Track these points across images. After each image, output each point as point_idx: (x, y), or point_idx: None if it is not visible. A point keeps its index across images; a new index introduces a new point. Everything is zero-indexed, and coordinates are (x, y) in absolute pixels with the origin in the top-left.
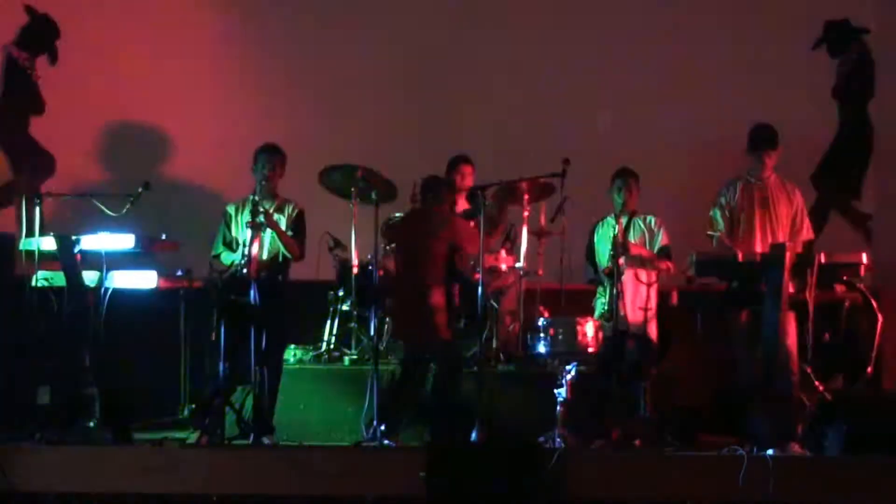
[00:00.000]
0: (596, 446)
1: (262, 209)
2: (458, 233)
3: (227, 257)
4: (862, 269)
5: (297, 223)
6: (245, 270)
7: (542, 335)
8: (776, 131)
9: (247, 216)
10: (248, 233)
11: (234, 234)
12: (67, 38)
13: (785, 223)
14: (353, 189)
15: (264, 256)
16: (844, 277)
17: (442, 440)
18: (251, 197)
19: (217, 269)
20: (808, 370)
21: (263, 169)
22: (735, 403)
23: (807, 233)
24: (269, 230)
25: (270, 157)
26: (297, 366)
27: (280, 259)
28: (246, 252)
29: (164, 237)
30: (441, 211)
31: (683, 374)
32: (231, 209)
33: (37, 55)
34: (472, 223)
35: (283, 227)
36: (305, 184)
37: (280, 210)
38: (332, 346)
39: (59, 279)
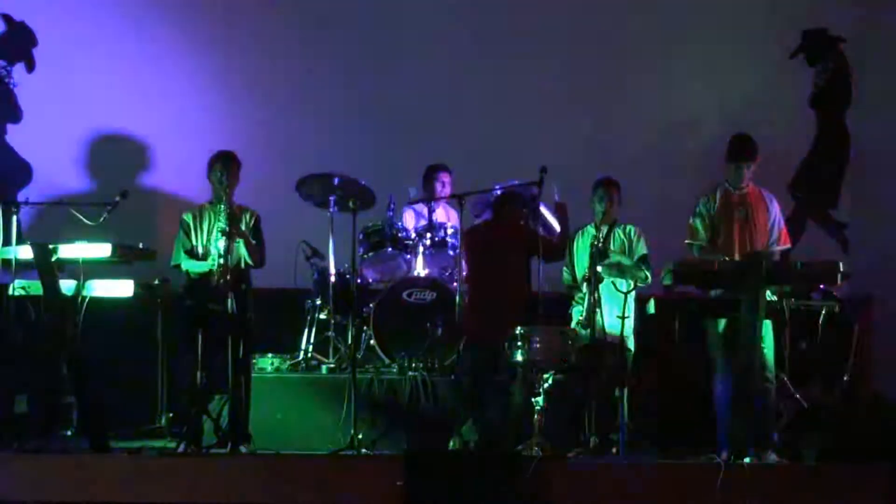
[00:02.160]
0: (573, 455)
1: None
2: (534, 241)
3: (194, 266)
4: (839, 277)
5: (257, 230)
6: (222, 280)
7: (519, 344)
8: (756, 143)
9: (220, 224)
10: (223, 241)
11: (194, 242)
12: (45, 47)
13: (763, 232)
14: (330, 197)
15: (231, 264)
16: (821, 286)
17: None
18: (221, 206)
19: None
20: (785, 378)
21: (223, 176)
22: (712, 412)
23: (784, 241)
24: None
25: (229, 164)
26: (275, 374)
27: (243, 266)
28: (222, 261)
29: (140, 246)
30: (514, 221)
31: (661, 382)
32: (188, 217)
33: (13, 63)
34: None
35: None
36: (282, 192)
37: (239, 217)
38: (309, 355)
39: (36, 288)
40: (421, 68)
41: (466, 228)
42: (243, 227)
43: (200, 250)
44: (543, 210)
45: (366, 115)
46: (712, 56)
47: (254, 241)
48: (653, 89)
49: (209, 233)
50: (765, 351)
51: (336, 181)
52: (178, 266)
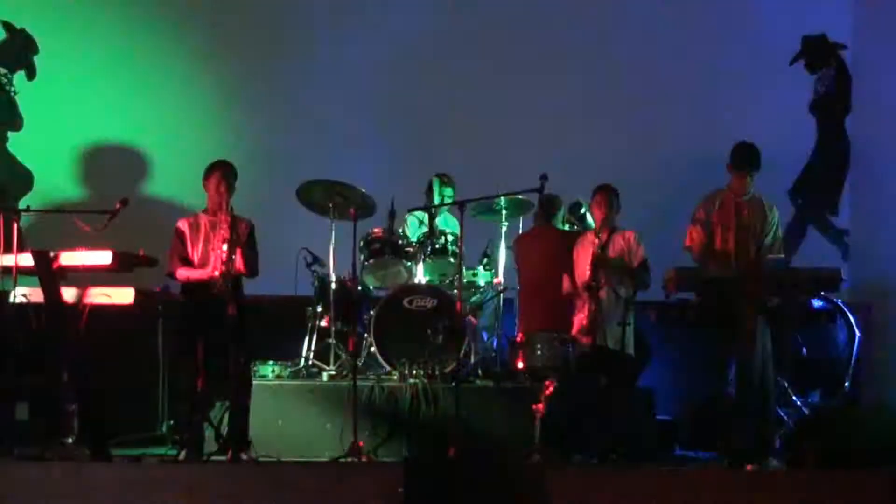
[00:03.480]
0: (574, 461)
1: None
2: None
3: (191, 274)
4: (839, 284)
5: (252, 239)
6: (224, 287)
7: (520, 350)
8: (758, 151)
9: (223, 233)
10: (225, 248)
11: (190, 250)
12: (46, 55)
13: (760, 240)
14: (331, 204)
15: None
16: (822, 293)
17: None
18: (220, 214)
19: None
20: (786, 384)
21: (220, 186)
22: (713, 418)
23: (778, 250)
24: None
25: (226, 172)
26: (276, 382)
27: (237, 276)
28: (224, 270)
29: (141, 253)
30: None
31: (662, 388)
32: (184, 226)
33: (14, 71)
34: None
35: None
36: (283, 199)
37: (235, 227)
38: (310, 362)
39: (37, 295)
40: (423, 76)
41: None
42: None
43: (196, 259)
44: None
45: (367, 122)
46: (713, 62)
47: (249, 251)
48: (654, 96)
49: (205, 241)
50: (765, 357)
51: (337, 188)
52: (172, 274)
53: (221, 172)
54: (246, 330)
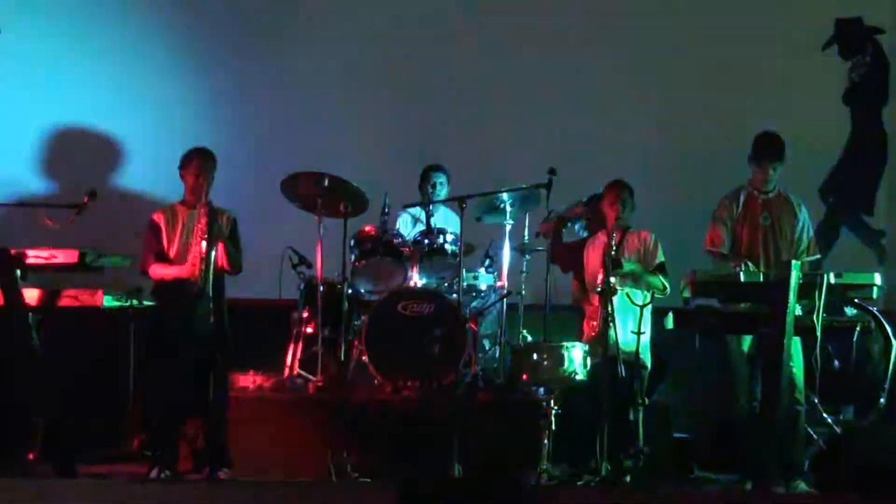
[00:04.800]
0: (584, 482)
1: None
2: None
3: (166, 272)
4: (875, 290)
5: (234, 234)
6: (203, 287)
7: (524, 361)
8: (783, 141)
9: (201, 226)
10: (204, 245)
11: (166, 245)
12: (6, 40)
13: (790, 240)
14: (319, 200)
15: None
16: (855, 300)
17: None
18: (199, 208)
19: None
20: (816, 401)
21: (198, 176)
22: (736, 436)
23: (813, 251)
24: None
25: (205, 161)
26: (257, 394)
27: (218, 274)
28: (202, 267)
29: (111, 251)
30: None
31: (680, 403)
32: (159, 218)
33: None
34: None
35: None
36: (266, 194)
37: (215, 220)
38: (294, 373)
39: None
40: (417, 63)
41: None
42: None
43: (173, 254)
44: None
45: (359, 111)
46: (737, 47)
47: (231, 247)
48: (673, 84)
49: (182, 235)
50: (793, 370)
51: (325, 182)
52: (146, 272)
53: (200, 160)
54: (226, 335)
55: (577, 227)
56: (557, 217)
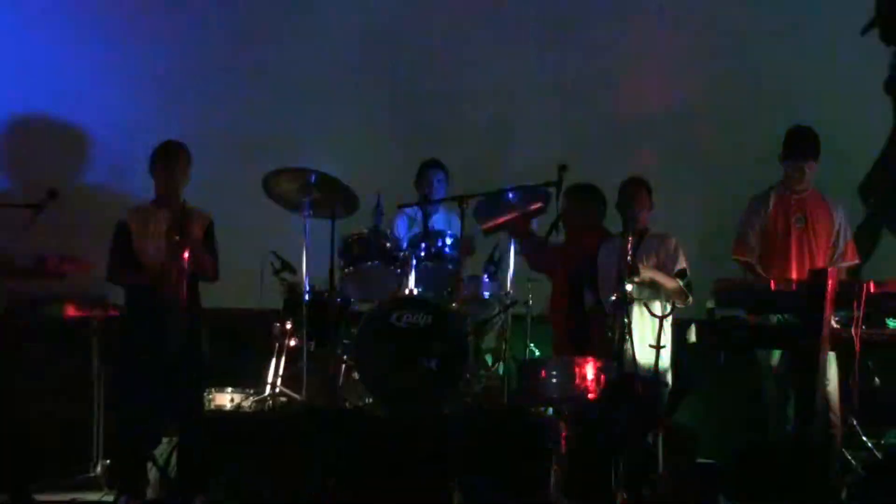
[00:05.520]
0: None
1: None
2: None
3: (135, 279)
4: None
5: (210, 237)
6: (171, 296)
7: (531, 377)
8: (817, 136)
9: (166, 227)
10: (172, 248)
11: (135, 250)
12: None
13: (825, 245)
14: (304, 199)
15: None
16: None
17: None
18: (169, 208)
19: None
20: (854, 422)
21: (170, 172)
22: (765, 462)
23: (850, 256)
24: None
25: (177, 157)
26: (236, 413)
27: (192, 281)
28: (170, 274)
29: (73, 256)
30: None
31: (704, 425)
32: (129, 219)
33: None
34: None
35: None
36: (247, 192)
37: (189, 222)
38: (276, 391)
39: None
40: (416, 49)
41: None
42: (195, 233)
43: (144, 259)
44: None
45: (349, 102)
46: (765, 33)
47: (206, 252)
48: (695, 73)
49: (154, 239)
50: (829, 389)
51: (312, 179)
52: (113, 279)
53: (173, 156)
54: (201, 349)
55: (533, 224)
56: (522, 213)
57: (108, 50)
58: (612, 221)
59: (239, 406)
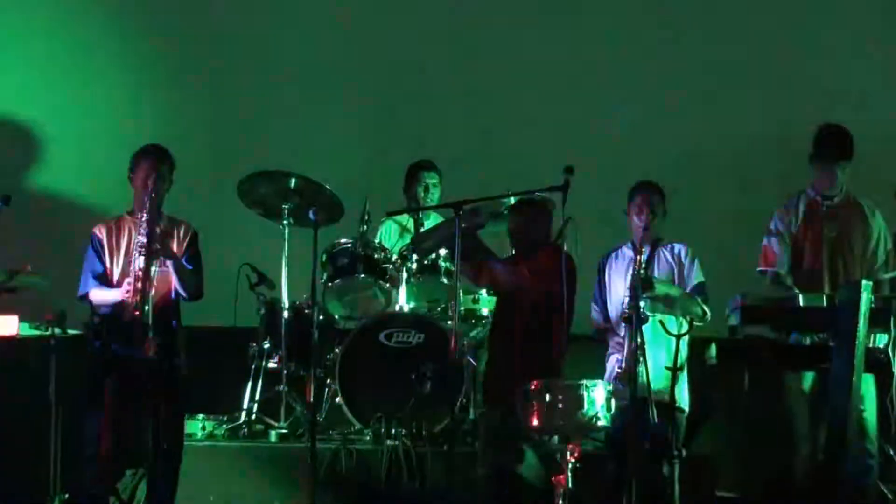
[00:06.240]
0: None
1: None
2: None
3: (106, 296)
4: None
5: (194, 251)
6: (137, 313)
7: (535, 403)
8: (850, 135)
9: (140, 238)
10: (141, 262)
11: (108, 265)
12: None
13: (861, 255)
14: (284, 205)
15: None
16: None
17: None
18: (142, 217)
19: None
20: (892, 452)
21: (150, 178)
22: (794, 495)
23: (892, 266)
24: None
25: (158, 163)
26: (208, 442)
27: (172, 298)
28: (139, 288)
29: (28, 269)
30: None
31: (725, 455)
32: (101, 233)
33: None
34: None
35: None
36: (220, 199)
37: (169, 233)
38: (253, 417)
39: None
40: (404, 43)
41: None
42: (175, 246)
43: (117, 275)
44: None
45: (333, 101)
46: (790, 24)
47: (189, 265)
48: (713, 68)
49: (127, 253)
50: (865, 415)
51: (292, 183)
52: (85, 297)
53: (155, 160)
54: (177, 372)
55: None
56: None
57: (72, 44)
58: (622, 230)
59: (212, 434)
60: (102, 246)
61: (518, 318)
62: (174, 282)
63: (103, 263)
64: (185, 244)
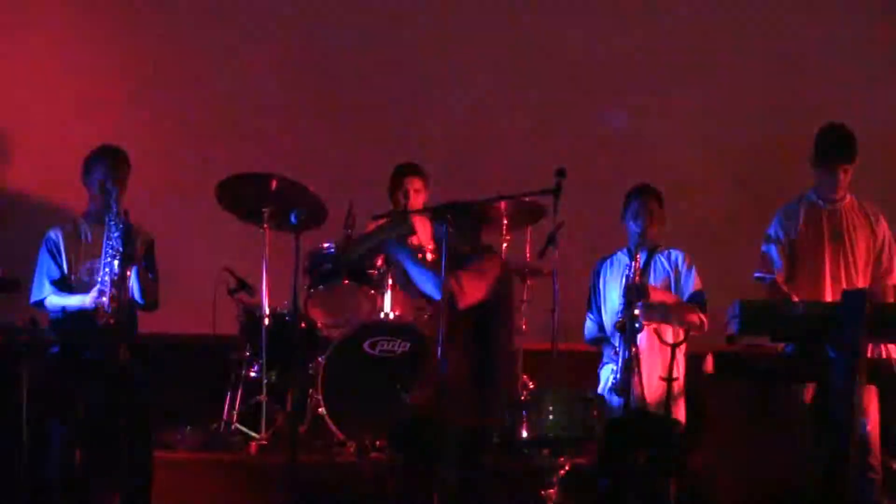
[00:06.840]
0: None
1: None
2: None
3: (66, 302)
4: None
5: (152, 259)
6: (112, 321)
7: (526, 415)
8: (853, 136)
9: (113, 243)
10: (116, 266)
11: (65, 269)
12: None
13: (865, 262)
14: (265, 209)
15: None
16: None
17: None
18: (110, 220)
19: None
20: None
21: (107, 181)
22: None
23: None
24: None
25: (116, 163)
26: (183, 454)
27: (130, 309)
28: (116, 295)
29: None
30: None
31: (723, 469)
32: (57, 235)
33: None
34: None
35: None
36: (198, 201)
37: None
38: (232, 428)
39: None
40: (391, 36)
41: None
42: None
43: (74, 280)
44: None
45: (313, 99)
46: (792, 22)
47: (146, 274)
48: (712, 67)
49: (87, 257)
50: (868, 428)
51: (273, 185)
52: (40, 303)
53: (110, 162)
54: (145, 381)
55: None
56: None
57: (32, 35)
58: (618, 236)
59: (190, 446)
60: (59, 249)
61: (470, 327)
62: (134, 289)
63: (60, 267)
64: (143, 251)
